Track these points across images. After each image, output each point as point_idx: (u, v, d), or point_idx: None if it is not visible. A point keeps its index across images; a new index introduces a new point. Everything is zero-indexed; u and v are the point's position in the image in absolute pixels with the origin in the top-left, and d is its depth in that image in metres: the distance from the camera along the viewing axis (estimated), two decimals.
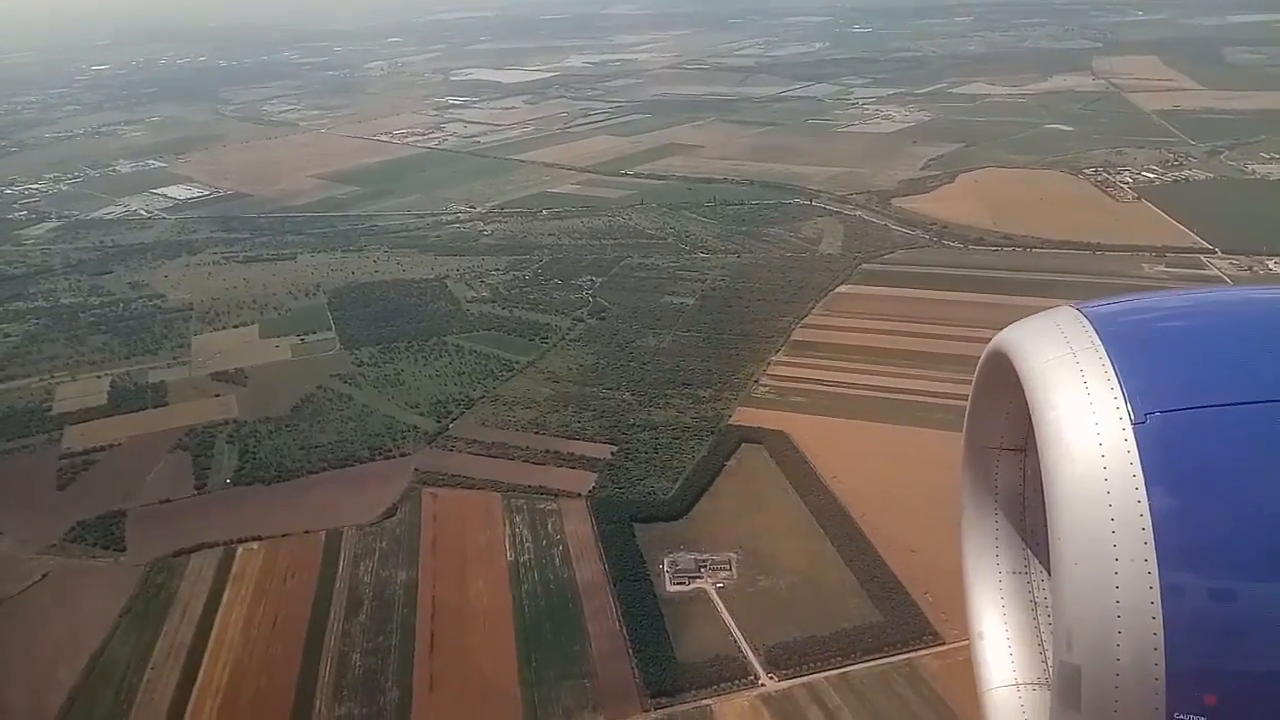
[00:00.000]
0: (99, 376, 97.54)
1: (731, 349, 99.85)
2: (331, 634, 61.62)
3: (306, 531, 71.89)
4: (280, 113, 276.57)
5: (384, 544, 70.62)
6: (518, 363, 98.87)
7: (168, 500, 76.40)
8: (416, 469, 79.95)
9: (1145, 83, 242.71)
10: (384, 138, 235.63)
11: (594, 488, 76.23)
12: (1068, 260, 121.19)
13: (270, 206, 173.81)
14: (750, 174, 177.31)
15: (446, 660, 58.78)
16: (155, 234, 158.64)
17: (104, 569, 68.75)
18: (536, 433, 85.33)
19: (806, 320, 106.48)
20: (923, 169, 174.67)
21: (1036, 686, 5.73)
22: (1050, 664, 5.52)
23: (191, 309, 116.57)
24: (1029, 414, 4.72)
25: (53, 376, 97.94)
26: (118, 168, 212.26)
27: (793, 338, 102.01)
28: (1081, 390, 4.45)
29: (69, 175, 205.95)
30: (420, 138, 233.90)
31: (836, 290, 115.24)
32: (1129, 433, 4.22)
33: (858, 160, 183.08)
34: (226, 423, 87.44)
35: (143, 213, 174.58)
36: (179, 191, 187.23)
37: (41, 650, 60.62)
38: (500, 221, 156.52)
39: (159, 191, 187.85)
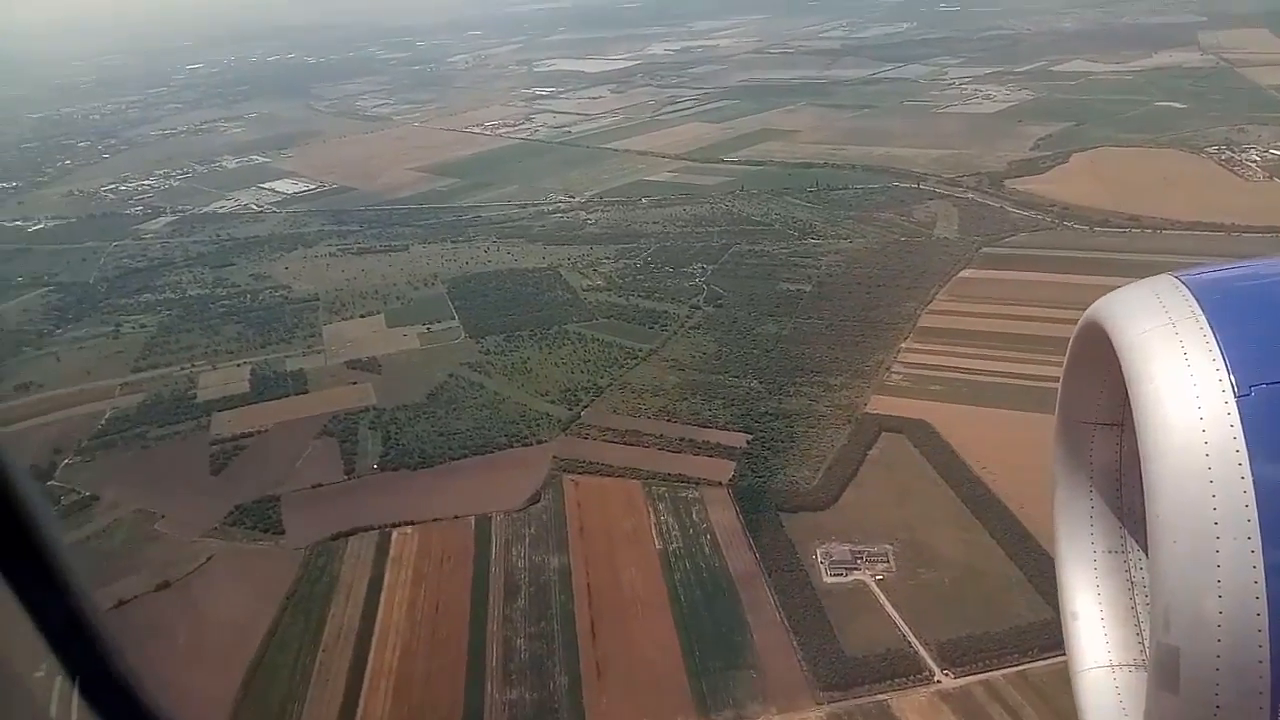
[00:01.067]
0: (238, 365, 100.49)
1: (857, 336, 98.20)
2: (493, 619, 62.37)
3: (456, 517, 72.91)
4: (373, 107, 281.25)
5: (532, 530, 71.23)
6: (640, 350, 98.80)
7: (319, 485, 78.28)
8: (555, 456, 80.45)
9: (1257, 56, 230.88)
10: (476, 130, 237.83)
11: (734, 476, 75.74)
12: (1201, 242, 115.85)
13: (375, 199, 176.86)
14: (851, 158, 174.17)
15: (610, 648, 58.99)
16: (269, 227, 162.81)
17: (265, 552, 70.78)
18: (669, 420, 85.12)
19: (932, 306, 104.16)
20: (1032, 149, 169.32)
21: (1133, 668, 5.51)
22: (1147, 645, 5.32)
23: (318, 299, 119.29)
24: (1125, 387, 4.49)
25: (193, 365, 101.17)
26: (224, 163, 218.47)
27: (920, 324, 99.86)
28: (1181, 361, 4.22)
29: (178, 171, 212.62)
30: (511, 129, 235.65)
31: (959, 275, 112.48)
32: (1231, 405, 3.99)
33: (962, 141, 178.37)
34: (366, 409, 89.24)
35: (253, 207, 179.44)
36: (286, 186, 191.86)
37: (217, 630, 62.71)
38: (602, 210, 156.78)
39: (267, 186, 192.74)
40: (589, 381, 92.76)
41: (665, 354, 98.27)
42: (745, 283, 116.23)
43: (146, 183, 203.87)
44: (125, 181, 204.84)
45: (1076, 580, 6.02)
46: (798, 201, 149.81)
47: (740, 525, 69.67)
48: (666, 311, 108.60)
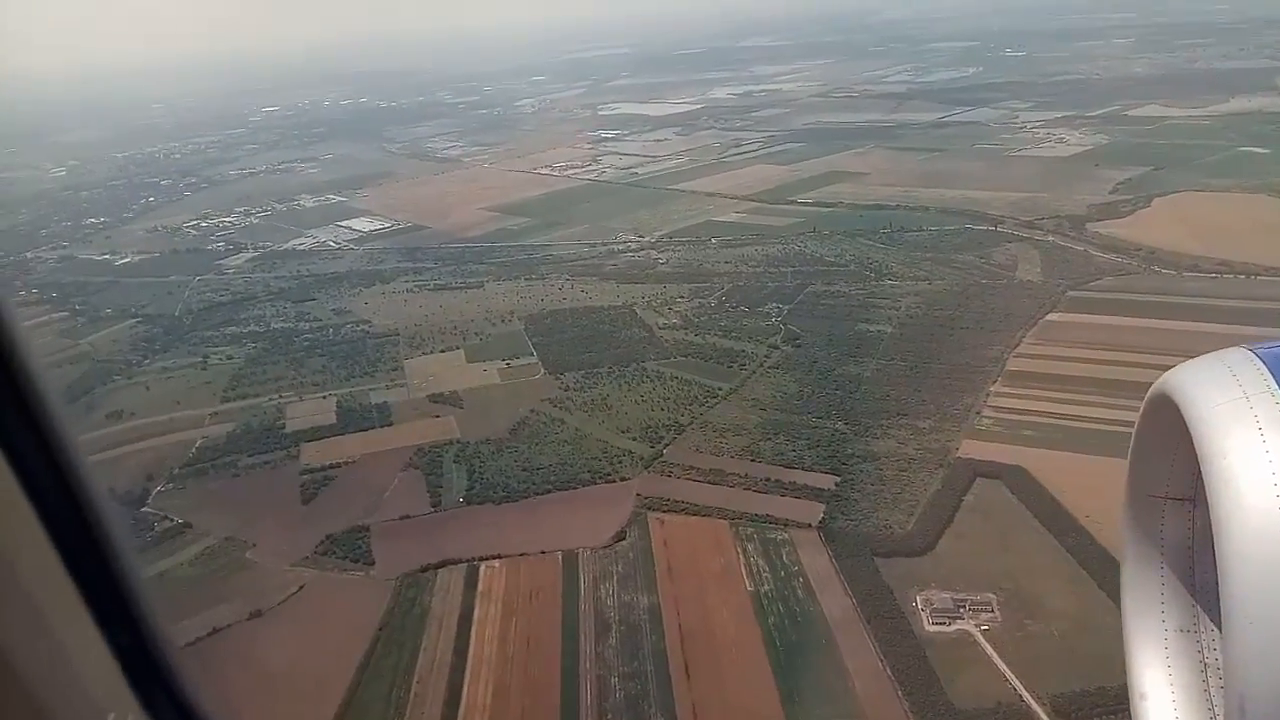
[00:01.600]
0: (324, 397, 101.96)
1: (944, 378, 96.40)
2: (585, 656, 61.54)
3: (543, 552, 72.52)
4: (443, 149, 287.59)
5: (620, 567, 70.45)
6: (720, 389, 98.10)
7: (407, 516, 78.59)
8: (639, 494, 79.84)
9: None
10: (544, 171, 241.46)
11: (824, 518, 74.30)
12: None
13: (448, 238, 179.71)
14: (923, 200, 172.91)
15: (706, 690, 57.70)
16: (347, 264, 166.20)
17: (356, 582, 70.96)
18: (753, 460, 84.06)
19: (1020, 349, 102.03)
20: (1111, 193, 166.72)
21: None
22: None
23: (398, 334, 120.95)
24: (1197, 462, 4.36)
25: (281, 396, 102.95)
26: (302, 202, 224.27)
27: (1008, 367, 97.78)
28: (1256, 437, 4.12)
29: (258, 209, 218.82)
30: (579, 170, 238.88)
31: (1046, 318, 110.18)
32: None
33: (1037, 185, 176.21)
34: (451, 443, 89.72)
35: (331, 244, 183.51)
36: (362, 224, 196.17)
37: (312, 659, 62.71)
38: (672, 250, 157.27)
39: (344, 224, 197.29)
40: (670, 419, 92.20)
41: (746, 393, 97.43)
42: (823, 323, 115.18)
43: (227, 220, 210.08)
44: (207, 219, 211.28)
45: (1146, 659, 5.80)
46: (871, 243, 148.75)
47: (834, 569, 68.12)
48: (744, 350, 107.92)
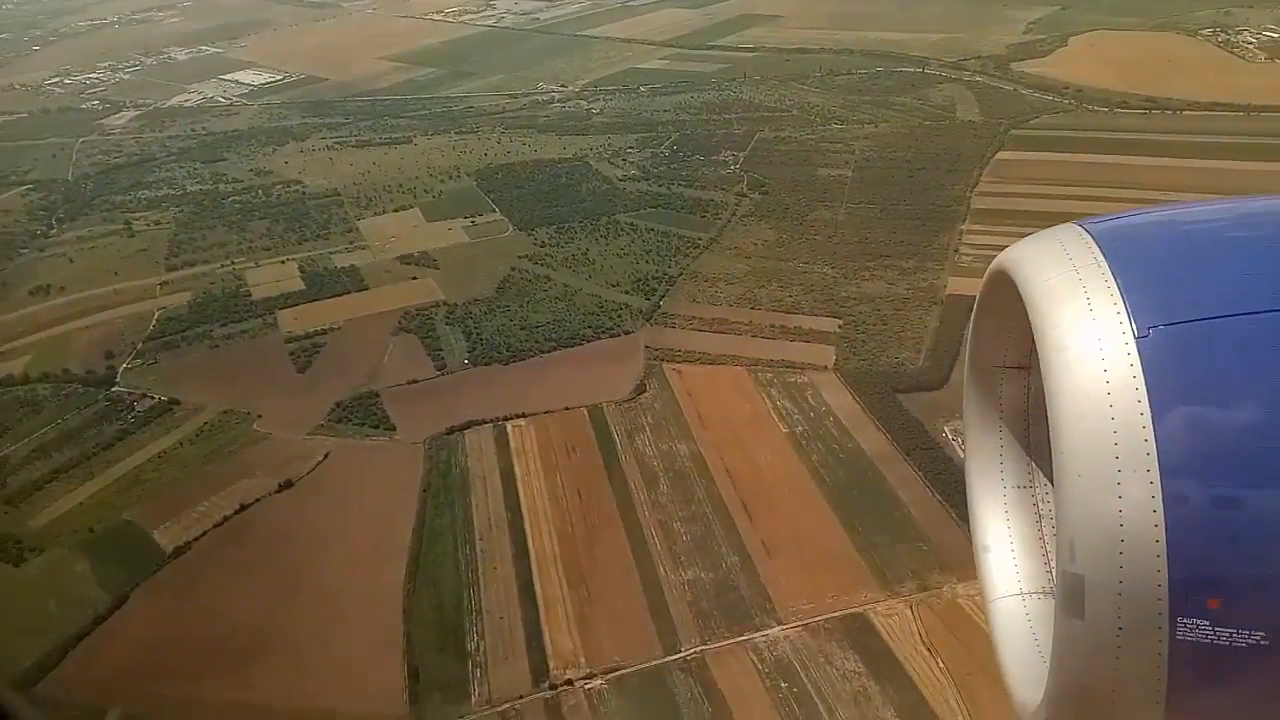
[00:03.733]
0: (283, 262, 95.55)
1: (914, 219, 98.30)
2: (640, 505, 62.16)
3: (566, 408, 71.77)
4: None
5: (649, 419, 70.68)
6: (699, 239, 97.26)
7: (414, 381, 76.02)
8: (646, 346, 79.45)
9: None
10: (435, 17, 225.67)
11: (837, 360, 76.08)
12: (1224, 122, 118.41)
13: (352, 91, 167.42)
14: (844, 43, 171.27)
15: (771, 528, 59.52)
16: (245, 120, 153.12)
17: (382, 447, 68.79)
18: (753, 308, 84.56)
19: (979, 188, 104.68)
20: (1025, 33, 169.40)
21: (1041, 596, 5.90)
22: (1054, 574, 5.58)
23: (338, 194, 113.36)
24: (1031, 333, 4.73)
25: (233, 263, 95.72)
26: (173, 55, 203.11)
27: (974, 206, 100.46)
28: (1084, 306, 4.48)
29: (125, 63, 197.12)
30: (474, 16, 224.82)
31: (997, 157, 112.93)
32: (1131, 346, 4.28)
33: (951, 25, 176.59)
34: (437, 305, 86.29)
35: (221, 99, 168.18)
36: (249, 77, 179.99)
37: (362, 525, 61.10)
38: (603, 99, 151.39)
39: (228, 78, 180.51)
40: (657, 271, 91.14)
41: (725, 242, 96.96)
42: (782, 169, 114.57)
43: (93, 76, 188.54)
44: (69, 75, 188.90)
45: (987, 515, 6.27)
46: (805, 88, 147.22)
47: (859, 406, 70.31)
48: (713, 200, 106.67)
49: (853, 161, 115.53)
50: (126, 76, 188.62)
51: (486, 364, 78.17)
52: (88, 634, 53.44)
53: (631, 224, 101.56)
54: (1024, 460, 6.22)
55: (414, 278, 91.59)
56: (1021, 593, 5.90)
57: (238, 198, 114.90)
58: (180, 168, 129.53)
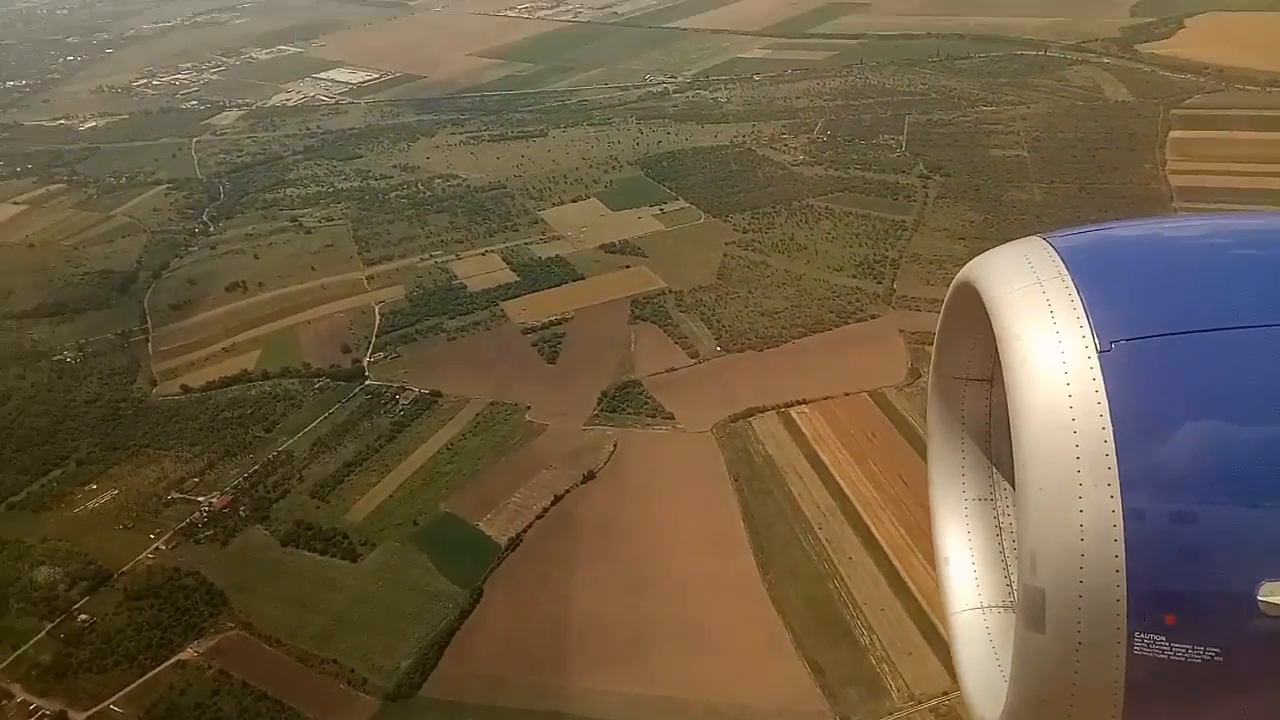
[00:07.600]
0: (483, 254, 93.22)
1: (1117, 198, 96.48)
2: None
3: (846, 394, 69.41)
4: None
5: None
6: (902, 221, 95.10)
7: (673, 369, 73.66)
8: (901, 330, 77.16)
9: None
10: (509, 14, 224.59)
11: None
12: None
13: (455, 87, 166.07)
14: (949, 28, 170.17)
15: None
16: (358, 119, 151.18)
17: (668, 437, 66.44)
18: None
19: (1170, 167, 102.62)
20: (1132, 15, 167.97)
21: (1001, 609, 5.81)
22: (1015, 587, 5.60)
23: (503, 186, 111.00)
24: (995, 345, 4.60)
25: (432, 256, 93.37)
26: (253, 55, 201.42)
27: (1175, 185, 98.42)
28: (1047, 319, 4.39)
29: (207, 64, 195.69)
30: (548, 11, 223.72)
31: (1171, 135, 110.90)
32: (1094, 360, 4.17)
33: (1054, 9, 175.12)
34: (662, 292, 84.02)
35: (322, 98, 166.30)
36: (344, 75, 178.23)
37: (688, 517, 58.66)
38: (719, 89, 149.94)
39: (323, 77, 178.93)
40: (875, 254, 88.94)
41: (931, 224, 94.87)
42: (950, 151, 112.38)
43: (180, 77, 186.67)
44: (155, 76, 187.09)
45: (948, 527, 6.16)
46: (932, 72, 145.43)
47: None
48: (897, 182, 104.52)
49: (1022, 142, 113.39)
50: (214, 77, 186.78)
51: (740, 351, 75.75)
52: (455, 629, 50.95)
53: (827, 208, 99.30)
54: (986, 472, 6.21)
55: (626, 266, 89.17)
56: (982, 606, 5.83)
57: (400, 193, 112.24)
58: (317, 166, 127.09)
